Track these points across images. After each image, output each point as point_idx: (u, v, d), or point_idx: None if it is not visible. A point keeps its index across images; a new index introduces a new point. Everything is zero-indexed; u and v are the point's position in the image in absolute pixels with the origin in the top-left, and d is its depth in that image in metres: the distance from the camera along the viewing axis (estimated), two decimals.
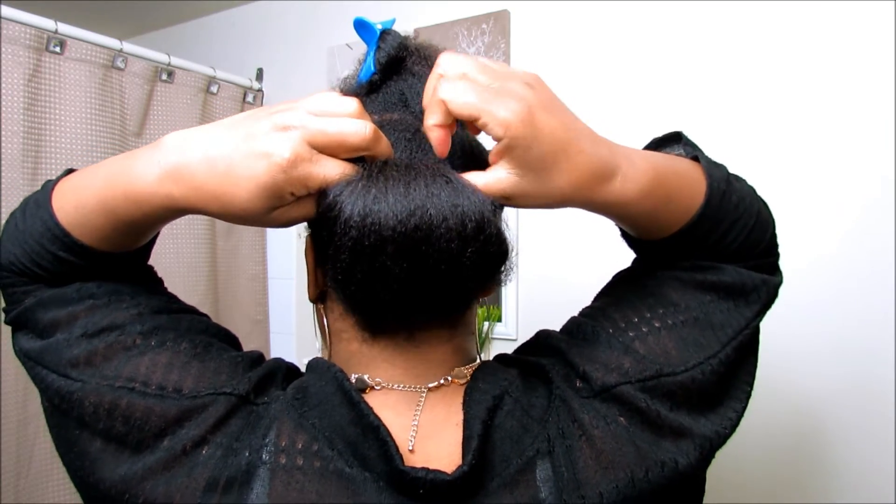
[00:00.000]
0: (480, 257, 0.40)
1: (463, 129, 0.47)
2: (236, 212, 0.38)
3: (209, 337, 0.46)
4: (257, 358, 0.46)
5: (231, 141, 0.38)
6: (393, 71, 0.48)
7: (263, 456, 0.38)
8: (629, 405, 0.42)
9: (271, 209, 0.38)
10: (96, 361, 0.41)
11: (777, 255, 0.53)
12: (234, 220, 0.40)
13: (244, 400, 0.41)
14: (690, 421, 0.43)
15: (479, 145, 0.49)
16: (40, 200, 0.44)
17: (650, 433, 0.42)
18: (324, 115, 0.38)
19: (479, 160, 0.47)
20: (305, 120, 0.37)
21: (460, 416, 0.42)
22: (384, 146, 0.40)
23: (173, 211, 0.41)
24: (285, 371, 0.46)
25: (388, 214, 0.38)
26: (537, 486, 0.39)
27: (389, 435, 0.39)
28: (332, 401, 0.41)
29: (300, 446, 0.39)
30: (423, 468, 0.38)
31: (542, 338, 0.50)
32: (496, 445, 0.40)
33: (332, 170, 0.38)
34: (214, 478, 0.38)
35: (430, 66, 0.47)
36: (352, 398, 0.40)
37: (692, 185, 0.46)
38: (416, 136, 0.44)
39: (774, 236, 0.52)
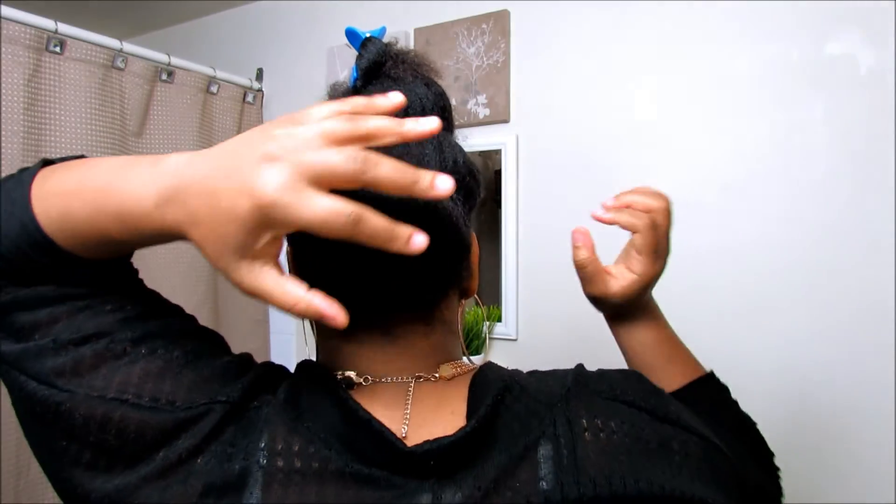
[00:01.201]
0: (439, 254, 0.41)
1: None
2: (211, 246, 0.35)
3: (199, 341, 0.45)
4: (247, 361, 0.46)
5: (224, 169, 0.34)
6: (372, 76, 0.49)
7: (260, 460, 0.38)
8: (646, 424, 0.44)
9: (244, 250, 0.34)
10: (83, 370, 0.39)
11: (778, 482, 0.62)
12: (210, 255, 0.36)
13: (237, 406, 0.41)
14: (688, 472, 0.44)
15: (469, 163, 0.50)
16: (15, 198, 0.40)
17: (654, 453, 0.43)
18: (330, 132, 0.34)
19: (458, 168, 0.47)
20: (294, 150, 0.33)
21: (454, 406, 0.44)
22: (384, 172, 0.35)
23: (168, 236, 0.38)
24: (275, 373, 0.46)
25: None
26: (538, 462, 0.40)
27: (382, 424, 0.39)
28: (323, 403, 0.41)
29: (296, 449, 0.39)
30: (424, 442, 0.39)
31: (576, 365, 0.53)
32: (505, 422, 0.41)
33: (316, 205, 0.33)
34: (210, 484, 0.37)
35: (409, 70, 0.49)
36: (339, 397, 0.41)
37: (694, 365, 0.61)
38: None
39: (773, 464, 0.62)
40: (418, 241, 0.35)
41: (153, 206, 0.36)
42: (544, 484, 0.39)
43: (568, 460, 0.40)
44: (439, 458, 0.38)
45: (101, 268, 0.44)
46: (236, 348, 0.46)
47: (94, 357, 0.40)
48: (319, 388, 0.42)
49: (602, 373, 0.48)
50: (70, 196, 0.39)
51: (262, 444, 0.39)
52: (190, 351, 0.43)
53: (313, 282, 0.42)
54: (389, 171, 0.34)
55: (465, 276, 0.50)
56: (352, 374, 0.45)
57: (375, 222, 0.34)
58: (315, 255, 0.40)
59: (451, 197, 0.42)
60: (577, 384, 0.45)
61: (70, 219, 0.39)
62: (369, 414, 0.40)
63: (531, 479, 0.39)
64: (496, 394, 0.42)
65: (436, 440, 0.39)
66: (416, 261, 0.40)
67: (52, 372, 0.39)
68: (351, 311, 0.42)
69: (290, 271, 0.47)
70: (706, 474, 0.44)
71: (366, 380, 0.45)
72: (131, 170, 0.38)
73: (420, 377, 0.46)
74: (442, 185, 0.35)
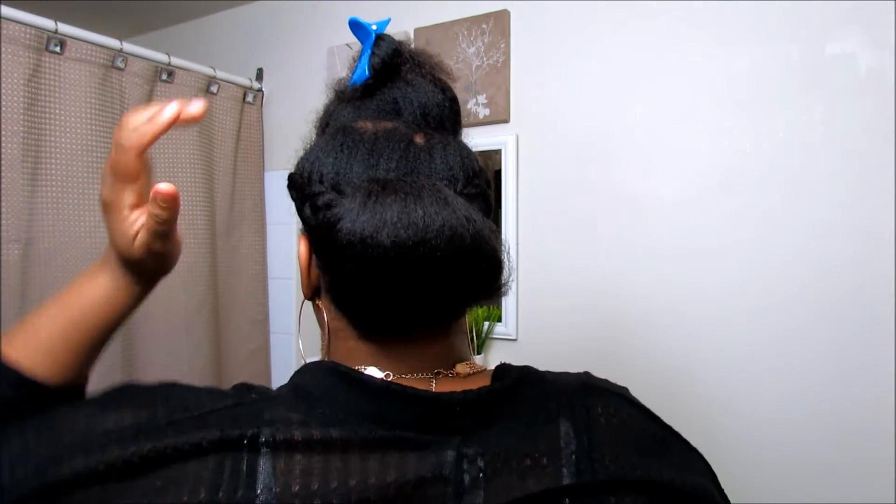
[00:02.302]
0: (478, 278, 0.43)
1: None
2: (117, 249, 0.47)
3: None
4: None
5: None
6: (387, 77, 0.48)
7: (277, 436, 0.38)
8: (649, 423, 0.46)
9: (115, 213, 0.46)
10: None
11: None
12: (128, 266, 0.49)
13: (236, 402, 0.41)
14: (691, 468, 0.46)
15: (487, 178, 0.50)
16: None
17: (659, 448, 0.45)
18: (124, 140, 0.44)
19: (483, 192, 0.48)
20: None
21: None
22: (141, 129, 0.44)
23: (115, 273, 0.49)
24: (262, 386, 0.47)
25: (385, 243, 0.39)
26: (559, 436, 0.41)
27: (401, 385, 0.40)
28: (339, 388, 0.42)
29: (313, 427, 0.38)
30: (451, 392, 0.41)
31: None
32: (527, 399, 0.44)
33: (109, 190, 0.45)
34: (222, 462, 0.37)
35: (423, 74, 0.48)
36: (351, 377, 0.41)
37: None
38: (410, 147, 0.44)
39: None
40: (171, 109, 0.44)
41: (98, 265, 0.50)
42: (565, 469, 0.40)
43: (585, 438, 0.42)
44: (465, 406, 0.40)
45: (55, 392, 0.48)
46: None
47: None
48: (333, 377, 0.42)
49: (608, 380, 0.51)
50: (33, 324, 0.48)
51: (277, 427, 0.38)
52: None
53: (343, 302, 0.46)
54: (145, 122, 0.44)
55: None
56: (374, 369, 0.45)
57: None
58: (348, 286, 0.41)
59: (490, 227, 0.43)
60: (590, 380, 0.48)
61: (44, 335, 0.48)
62: (387, 381, 0.41)
63: (552, 452, 0.40)
64: (518, 374, 0.45)
65: (464, 391, 0.41)
66: (454, 293, 0.43)
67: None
68: (378, 321, 0.46)
69: (306, 274, 0.50)
70: (706, 475, 0.46)
71: (387, 376, 0.45)
72: (73, 280, 0.49)
73: (439, 373, 0.47)
74: (193, 107, 0.44)
